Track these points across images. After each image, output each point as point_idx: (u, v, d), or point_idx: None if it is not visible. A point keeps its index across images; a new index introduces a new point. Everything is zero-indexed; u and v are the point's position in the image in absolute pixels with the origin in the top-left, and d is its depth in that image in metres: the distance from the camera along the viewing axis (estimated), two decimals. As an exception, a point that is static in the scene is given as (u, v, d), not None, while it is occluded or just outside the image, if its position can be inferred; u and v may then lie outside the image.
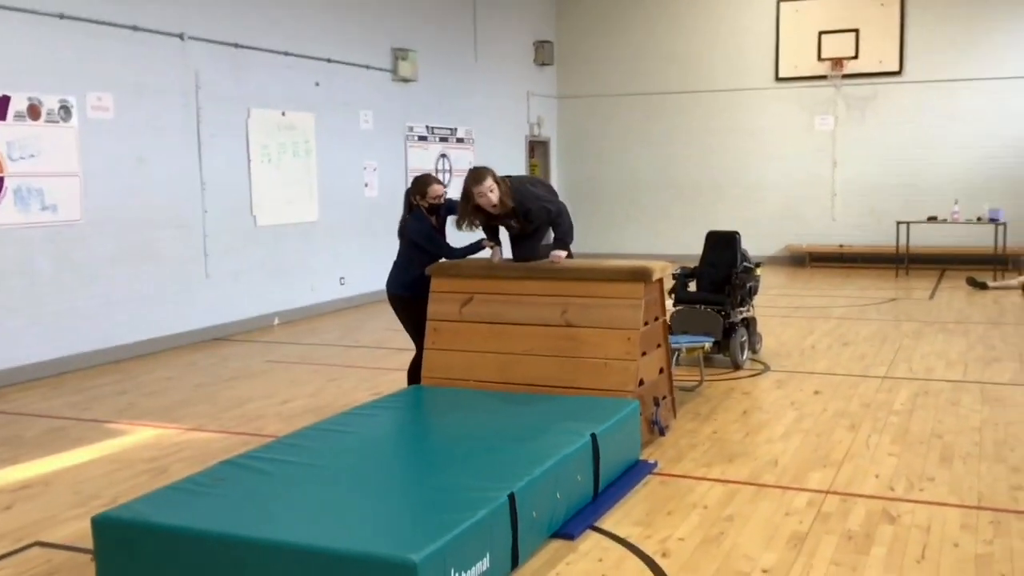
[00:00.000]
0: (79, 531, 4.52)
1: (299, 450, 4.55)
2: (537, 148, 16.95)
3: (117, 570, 3.74)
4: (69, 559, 4.21)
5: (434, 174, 6.46)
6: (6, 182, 7.72)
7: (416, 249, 6.22)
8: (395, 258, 6.36)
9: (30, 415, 6.83)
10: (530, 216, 5.95)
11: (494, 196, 5.76)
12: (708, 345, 7.38)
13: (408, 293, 6.20)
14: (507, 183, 5.88)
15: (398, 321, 6.45)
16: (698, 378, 7.32)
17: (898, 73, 15.32)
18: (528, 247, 6.08)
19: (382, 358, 8.62)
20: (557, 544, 4.25)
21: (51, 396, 7.41)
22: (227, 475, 4.21)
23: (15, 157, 7.78)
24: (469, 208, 5.84)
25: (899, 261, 14.44)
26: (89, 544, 4.25)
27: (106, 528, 3.76)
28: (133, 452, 5.86)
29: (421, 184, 6.24)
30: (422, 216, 6.21)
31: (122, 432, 6.32)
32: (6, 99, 7.70)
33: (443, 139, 13.82)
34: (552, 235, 6.11)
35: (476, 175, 5.79)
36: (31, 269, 7.96)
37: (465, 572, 3.56)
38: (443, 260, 6.17)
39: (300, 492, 4.03)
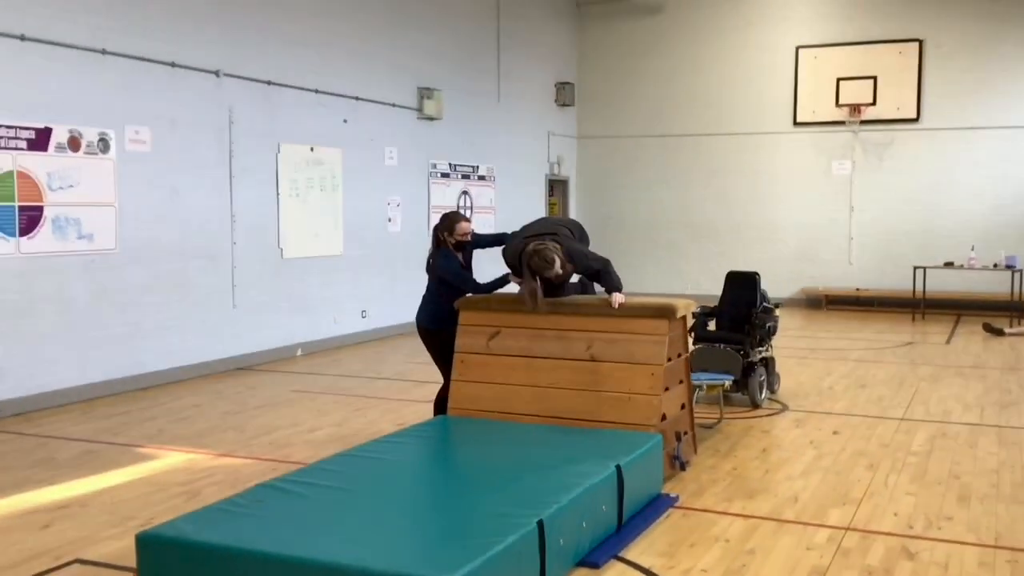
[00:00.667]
0: (117, 550, 4.67)
1: (333, 475, 4.69)
2: (556, 187, 17.18)
3: (160, 586, 3.87)
4: (110, 576, 4.35)
5: (459, 211, 6.64)
6: (45, 211, 7.95)
7: (444, 284, 6.38)
8: (424, 292, 6.51)
9: (63, 438, 6.99)
10: (576, 271, 6.10)
11: (559, 270, 5.88)
12: (728, 383, 7.49)
13: (436, 326, 6.36)
14: (563, 249, 5.93)
15: (419, 354, 6.61)
16: (717, 416, 7.43)
17: (915, 120, 15.50)
18: (557, 289, 6.19)
19: (405, 390, 8.76)
20: (583, 572, 4.36)
21: (82, 420, 7.57)
22: (265, 497, 4.35)
23: (55, 187, 8.02)
24: (533, 288, 5.89)
25: (915, 306, 14.52)
26: (128, 563, 4.41)
27: (150, 545, 3.90)
28: (165, 476, 6.00)
29: (449, 221, 6.42)
30: (449, 253, 6.38)
31: (154, 456, 6.47)
32: (48, 131, 7.95)
33: (465, 176, 14.05)
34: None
35: (544, 259, 5.81)
36: (66, 296, 8.16)
37: (496, 595, 3.67)
38: (468, 297, 6.32)
39: (336, 514, 4.16)
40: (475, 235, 6.50)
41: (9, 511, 5.29)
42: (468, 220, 6.53)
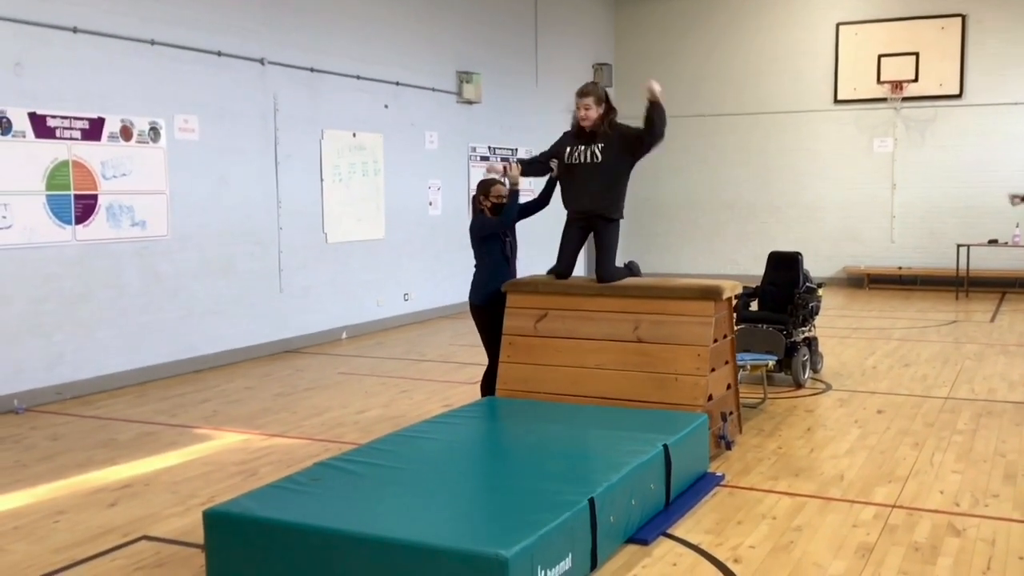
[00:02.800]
0: (182, 527, 4.84)
1: (387, 454, 4.82)
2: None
3: (226, 560, 4.03)
4: (176, 552, 4.52)
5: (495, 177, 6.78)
6: (100, 199, 8.16)
7: (482, 246, 6.49)
8: (474, 272, 6.62)
9: (121, 420, 7.21)
10: (618, 133, 6.14)
11: (592, 113, 6.06)
12: (771, 363, 7.54)
13: (482, 301, 6.47)
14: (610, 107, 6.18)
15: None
16: (761, 395, 7.48)
17: (958, 96, 15.32)
18: (590, 185, 6.14)
19: (450, 372, 8.89)
20: (632, 548, 4.46)
21: (138, 403, 7.79)
22: (323, 475, 4.50)
23: (108, 176, 8.21)
24: (576, 126, 6.12)
25: (959, 284, 14.41)
26: (192, 539, 4.59)
27: (217, 521, 4.06)
28: (223, 455, 6.18)
29: (486, 184, 6.59)
30: (481, 216, 6.52)
31: (210, 437, 6.66)
32: (101, 121, 8.15)
33: (504, 159, 14.11)
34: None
35: (585, 86, 6.21)
36: (120, 282, 8.38)
37: (550, 570, 3.79)
38: (517, 279, 6.42)
39: (393, 491, 4.30)
40: (517, 197, 6.47)
41: (76, 490, 5.49)
42: (504, 185, 6.61)
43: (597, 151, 6.13)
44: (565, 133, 6.38)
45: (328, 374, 8.92)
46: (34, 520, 4.99)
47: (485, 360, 6.71)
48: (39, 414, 7.40)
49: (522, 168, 6.38)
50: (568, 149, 6.24)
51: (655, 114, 6.02)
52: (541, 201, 6.59)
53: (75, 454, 6.27)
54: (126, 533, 4.79)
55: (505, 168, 6.41)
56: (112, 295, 8.32)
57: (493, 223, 6.44)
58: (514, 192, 6.34)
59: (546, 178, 6.58)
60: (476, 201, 6.61)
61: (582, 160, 6.18)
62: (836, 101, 16.17)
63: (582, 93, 6.14)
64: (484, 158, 13.62)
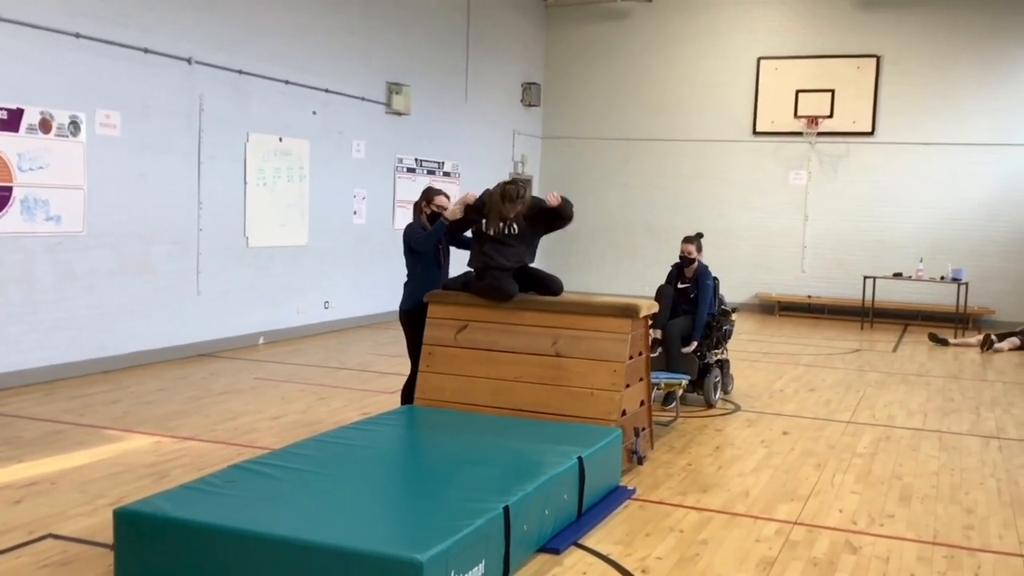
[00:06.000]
0: (89, 526, 4.77)
1: (304, 459, 4.82)
2: (520, 181, 17.33)
3: (136, 560, 3.99)
4: (83, 551, 4.45)
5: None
6: (15, 191, 7.96)
7: (412, 254, 6.61)
8: (406, 277, 6.67)
9: (28, 418, 7.03)
10: (535, 215, 6.37)
11: (522, 202, 6.29)
12: (685, 382, 7.73)
13: (409, 306, 6.53)
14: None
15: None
16: (673, 414, 7.66)
17: (870, 133, 15.94)
18: (508, 253, 6.32)
19: (369, 380, 8.89)
20: (544, 557, 4.55)
21: (47, 401, 7.60)
22: (238, 477, 4.48)
23: (24, 168, 8.03)
24: (497, 211, 6.25)
25: (864, 314, 14.94)
26: (99, 538, 4.53)
27: (128, 521, 4.01)
28: (133, 457, 6.09)
29: (428, 192, 6.75)
30: (419, 222, 6.61)
31: (120, 438, 6.54)
32: (20, 112, 7.97)
33: (431, 172, 14.18)
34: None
35: (518, 192, 6.28)
36: (32, 277, 8.18)
37: (463, 575, 3.84)
38: (438, 291, 6.50)
39: (309, 495, 4.31)
40: (445, 227, 6.58)
41: (-22, 487, 5.36)
42: (448, 197, 6.73)
43: (514, 226, 6.37)
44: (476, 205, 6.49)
45: (244, 379, 8.83)
46: (-67, 516, 4.86)
47: (405, 370, 6.74)
48: (-60, 409, 7.18)
49: (464, 217, 6.51)
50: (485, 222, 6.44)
51: (562, 212, 6.37)
52: (469, 245, 6.73)
53: (-22, 451, 6.10)
54: (31, 531, 4.69)
55: (461, 199, 6.57)
56: (23, 290, 8.11)
57: (419, 239, 6.50)
58: (444, 225, 6.47)
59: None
60: (417, 207, 6.71)
61: (505, 232, 6.38)
62: (755, 132, 16.66)
63: (512, 198, 6.28)
64: (411, 170, 13.66)
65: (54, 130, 8.26)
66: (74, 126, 8.44)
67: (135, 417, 7.17)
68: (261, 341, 10.87)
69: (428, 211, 6.63)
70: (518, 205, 6.27)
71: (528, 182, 6.42)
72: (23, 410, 7.26)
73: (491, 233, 6.34)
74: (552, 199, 6.33)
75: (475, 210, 6.43)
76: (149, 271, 9.36)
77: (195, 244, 9.91)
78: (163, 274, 9.53)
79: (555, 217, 6.40)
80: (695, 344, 8.16)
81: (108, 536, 4.24)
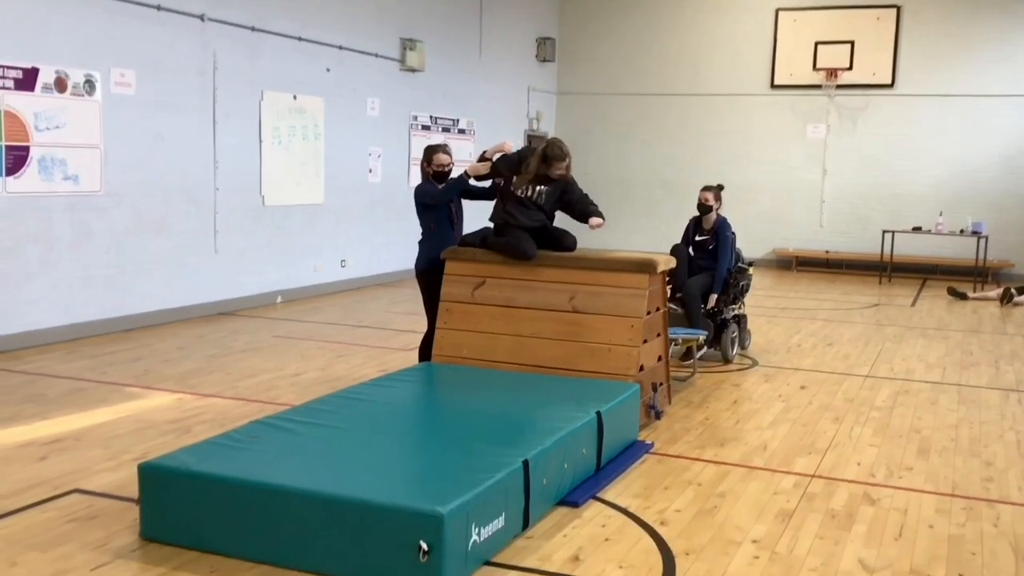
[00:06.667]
0: (114, 481, 4.83)
1: (325, 414, 4.86)
2: (535, 142, 17.25)
3: (160, 513, 4.05)
4: (109, 505, 4.51)
5: (442, 144, 6.84)
6: (32, 151, 7.98)
7: (426, 212, 6.56)
8: (420, 236, 6.66)
9: (51, 376, 7.10)
10: (567, 189, 6.40)
11: (566, 168, 6.30)
12: (703, 338, 7.73)
13: (430, 268, 6.52)
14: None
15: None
16: (691, 370, 7.67)
17: (890, 86, 15.73)
18: (530, 215, 6.32)
19: (386, 338, 8.93)
20: (563, 511, 4.58)
21: (68, 359, 7.68)
22: (260, 433, 4.53)
23: (41, 127, 8.03)
24: (535, 171, 6.22)
25: (883, 269, 14.86)
26: (124, 493, 4.59)
27: (152, 475, 4.07)
28: (155, 413, 6.15)
29: (429, 151, 6.66)
30: (427, 182, 6.60)
31: (142, 395, 6.61)
32: (35, 71, 7.95)
33: (445, 129, 14.11)
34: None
35: (561, 148, 6.25)
36: (50, 237, 8.22)
37: (483, 528, 3.88)
38: (455, 247, 6.48)
39: (331, 450, 4.35)
40: (465, 182, 6.57)
41: (5, 443, 5.43)
42: (448, 153, 6.66)
43: (543, 193, 6.33)
44: (511, 162, 6.44)
45: (263, 337, 8.88)
46: (-39, 472, 4.93)
47: (422, 328, 6.76)
48: (-36, 368, 7.26)
49: (493, 170, 6.46)
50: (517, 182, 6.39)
51: (593, 226, 6.44)
52: (489, 195, 6.68)
53: (3, 408, 6.17)
54: (57, 486, 4.76)
55: (483, 155, 6.53)
56: (42, 249, 8.16)
57: (433, 193, 6.49)
58: (464, 179, 6.44)
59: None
60: (421, 166, 6.68)
61: (531, 197, 6.35)
62: (773, 86, 16.48)
63: (562, 157, 6.26)
64: (425, 127, 13.59)
65: (69, 89, 8.25)
66: (89, 85, 8.43)
67: (156, 375, 7.24)
68: (279, 300, 10.92)
69: (430, 171, 6.57)
70: (561, 166, 6.24)
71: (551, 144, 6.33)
72: (46, 368, 7.34)
73: (518, 194, 6.31)
74: (597, 226, 6.36)
75: (506, 167, 6.37)
76: (166, 230, 9.39)
77: (212, 203, 9.93)
78: (180, 233, 9.56)
79: (580, 217, 6.49)
80: (715, 297, 8.12)
81: (133, 491, 4.30)
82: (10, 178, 7.82)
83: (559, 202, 6.44)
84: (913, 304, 12.48)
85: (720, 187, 8.72)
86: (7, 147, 7.77)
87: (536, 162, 6.22)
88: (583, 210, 6.46)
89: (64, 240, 8.34)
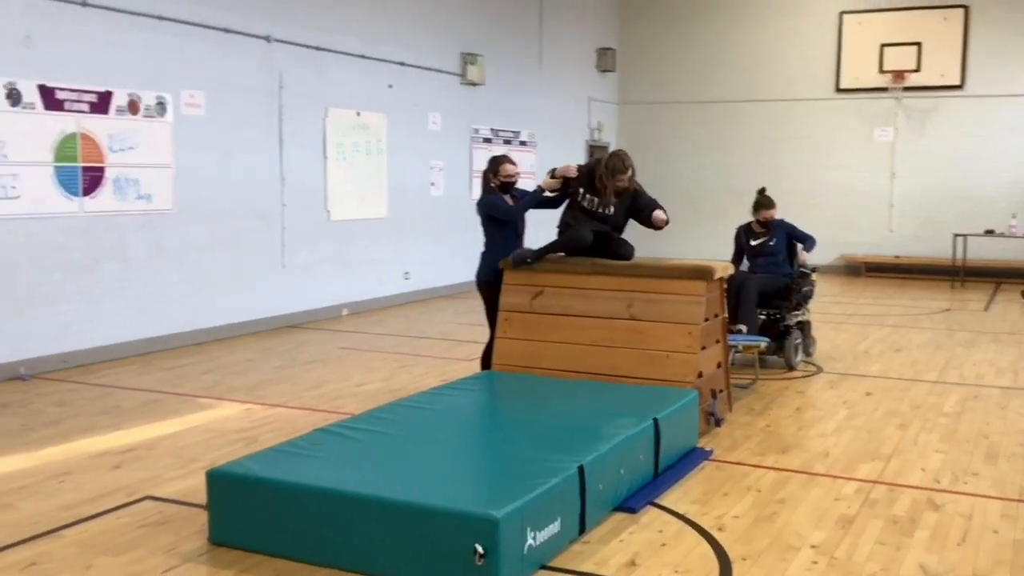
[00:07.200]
0: (184, 488, 5.00)
1: (385, 422, 4.97)
2: (596, 152, 17.28)
3: (228, 518, 4.19)
4: (179, 511, 4.67)
5: (506, 155, 6.97)
6: (107, 172, 8.29)
7: (491, 224, 6.66)
8: (483, 247, 6.77)
9: (126, 388, 7.36)
10: (635, 199, 6.50)
11: (628, 179, 6.40)
12: (763, 345, 7.67)
13: (487, 278, 6.62)
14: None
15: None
16: (753, 377, 7.62)
17: (959, 87, 15.41)
18: (596, 226, 6.44)
19: (449, 349, 9.04)
20: (620, 516, 4.61)
21: (143, 372, 7.94)
22: (323, 440, 4.65)
23: (115, 149, 8.34)
24: (604, 185, 6.34)
25: (955, 273, 14.54)
26: (194, 499, 4.75)
27: (219, 481, 4.21)
28: (224, 423, 6.34)
29: (495, 163, 6.76)
30: (491, 193, 6.69)
31: (212, 406, 6.81)
32: (109, 95, 8.27)
33: (507, 141, 14.23)
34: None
35: (623, 160, 6.39)
36: (126, 254, 8.52)
37: (539, 532, 3.94)
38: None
39: (390, 456, 4.45)
40: (540, 197, 6.69)
41: (81, 453, 5.65)
42: (514, 163, 6.76)
43: (611, 207, 6.47)
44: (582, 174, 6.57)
45: (329, 349, 9.07)
46: (40, 480, 5.15)
47: (484, 338, 6.85)
48: (45, 381, 7.56)
49: (564, 185, 6.60)
50: (586, 196, 6.51)
51: (658, 228, 6.59)
52: (555, 204, 6.77)
53: (80, 419, 6.42)
54: (130, 493, 4.94)
55: (554, 172, 6.62)
56: (118, 267, 8.46)
57: (504, 210, 6.58)
58: (539, 194, 6.59)
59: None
60: (486, 177, 6.75)
61: (596, 209, 6.49)
62: (838, 90, 16.27)
63: (624, 169, 6.39)
64: (487, 140, 13.73)
65: (142, 111, 8.55)
66: (160, 106, 8.73)
67: (226, 386, 7.45)
68: (345, 312, 11.12)
69: (496, 182, 6.67)
70: (624, 179, 6.35)
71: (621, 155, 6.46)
72: (121, 381, 7.60)
73: (585, 206, 6.40)
74: (659, 221, 6.45)
75: (576, 180, 6.48)
76: (236, 246, 9.65)
77: (279, 219, 10.18)
78: (249, 249, 9.82)
79: (648, 223, 6.56)
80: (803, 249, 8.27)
81: (202, 497, 4.44)
82: (87, 198, 8.13)
83: (629, 211, 6.53)
84: (986, 309, 12.19)
85: (763, 190, 8.77)
86: (84, 168, 8.08)
87: (605, 177, 6.33)
88: (650, 213, 6.50)
89: (139, 257, 8.63)
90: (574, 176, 6.52)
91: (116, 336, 8.42)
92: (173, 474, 5.27)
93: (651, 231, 6.64)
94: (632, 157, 6.51)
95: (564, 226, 6.51)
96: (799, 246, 8.45)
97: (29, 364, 7.70)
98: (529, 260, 6.44)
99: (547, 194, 6.62)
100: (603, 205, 6.41)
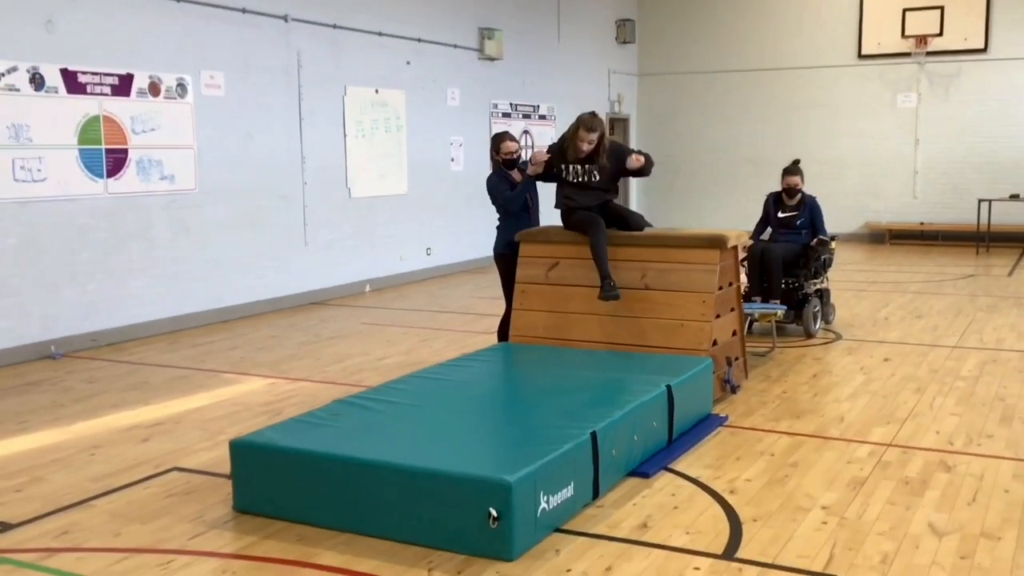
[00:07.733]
0: (210, 459, 5.14)
1: (402, 392, 5.08)
2: (617, 125, 17.28)
3: (251, 487, 4.32)
4: (205, 481, 4.82)
5: (508, 131, 7.01)
6: (130, 153, 8.43)
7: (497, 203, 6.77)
8: (497, 222, 6.86)
9: (154, 365, 7.53)
10: (617, 157, 6.33)
11: (586, 147, 6.23)
12: (780, 313, 7.71)
13: (501, 250, 6.71)
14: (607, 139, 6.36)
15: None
16: (770, 345, 7.66)
17: (983, 51, 15.23)
18: (589, 195, 6.40)
19: (469, 322, 9.15)
20: (634, 481, 4.70)
21: (169, 350, 8.11)
22: (342, 411, 4.77)
23: (137, 130, 8.48)
24: (570, 147, 6.25)
25: (980, 239, 14.44)
26: (220, 470, 4.88)
27: (242, 450, 4.34)
28: (249, 397, 6.48)
29: (496, 140, 6.87)
30: (499, 173, 6.78)
31: (237, 381, 6.96)
32: (130, 77, 8.39)
33: (526, 116, 14.26)
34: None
35: (590, 124, 6.19)
36: (150, 234, 8.67)
37: (552, 496, 4.03)
38: (529, 230, 6.64)
39: (406, 424, 4.56)
40: (533, 182, 6.73)
41: (111, 427, 5.81)
42: (515, 140, 6.85)
43: (595, 172, 6.35)
44: (554, 151, 6.50)
45: (351, 324, 9.20)
46: (71, 453, 5.31)
47: (503, 311, 6.93)
48: (75, 359, 7.74)
49: (548, 165, 6.54)
50: (567, 168, 6.42)
51: (643, 172, 6.38)
52: (553, 180, 6.76)
53: (109, 396, 6.59)
54: (158, 465, 5.09)
55: (534, 157, 6.59)
56: (143, 247, 8.62)
57: (506, 197, 6.66)
58: (531, 180, 6.63)
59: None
60: (490, 155, 6.87)
61: (582, 178, 6.40)
62: (860, 56, 16.12)
63: (590, 128, 6.23)
64: (506, 115, 13.76)
65: (163, 93, 8.68)
66: (181, 88, 8.85)
67: (251, 362, 7.59)
68: (367, 289, 11.25)
69: (499, 159, 6.76)
70: (591, 138, 6.20)
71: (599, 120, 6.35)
72: (149, 358, 7.77)
73: (572, 180, 6.41)
74: (635, 162, 6.28)
75: (557, 156, 6.47)
76: (258, 225, 9.78)
77: (300, 197, 10.30)
78: (272, 227, 9.95)
79: (635, 173, 6.45)
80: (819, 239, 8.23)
81: (227, 468, 4.58)
82: (111, 179, 8.28)
83: (618, 172, 6.45)
84: (1010, 274, 12.12)
85: (797, 162, 8.66)
86: (107, 150, 8.23)
87: (573, 141, 6.25)
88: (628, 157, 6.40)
89: (163, 237, 8.78)
90: (547, 158, 6.49)
91: (144, 315, 8.60)
92: (200, 446, 5.42)
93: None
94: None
95: (564, 207, 6.48)
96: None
97: (59, 343, 7.89)
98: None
99: (532, 178, 6.64)
100: (587, 173, 6.34)
